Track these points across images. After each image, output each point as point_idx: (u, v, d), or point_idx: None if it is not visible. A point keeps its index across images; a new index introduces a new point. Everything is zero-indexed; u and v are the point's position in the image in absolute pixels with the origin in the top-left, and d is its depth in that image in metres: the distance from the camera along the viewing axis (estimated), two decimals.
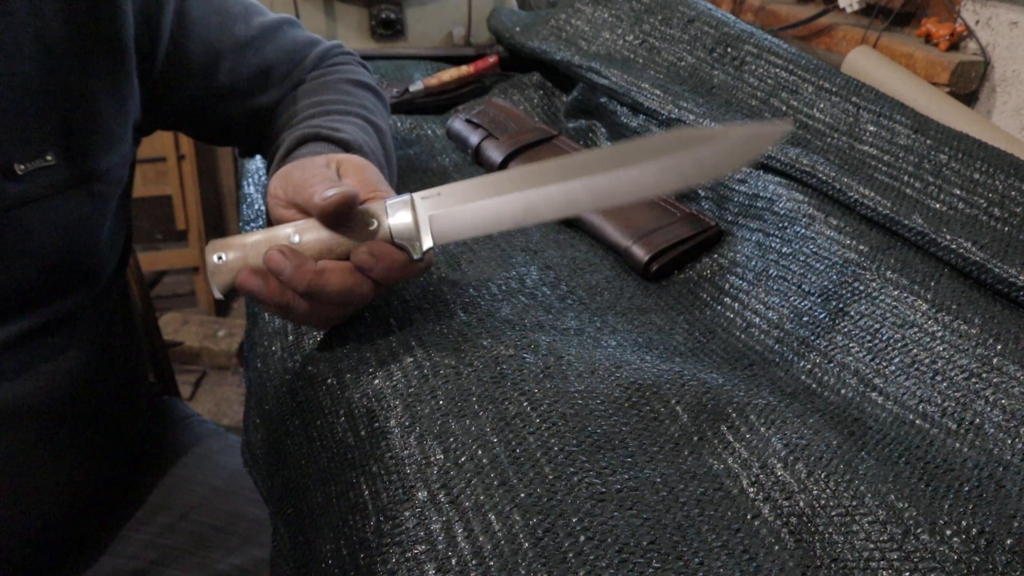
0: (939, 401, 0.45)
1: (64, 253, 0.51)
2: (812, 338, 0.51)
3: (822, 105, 0.66)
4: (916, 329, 0.48)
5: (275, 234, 0.43)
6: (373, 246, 0.42)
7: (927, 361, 0.47)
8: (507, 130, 0.76)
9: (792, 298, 0.54)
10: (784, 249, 0.57)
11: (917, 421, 0.45)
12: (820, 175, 0.58)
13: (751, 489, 0.39)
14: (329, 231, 0.42)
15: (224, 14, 0.58)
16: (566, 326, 0.50)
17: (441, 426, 0.39)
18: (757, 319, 0.54)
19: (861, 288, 0.51)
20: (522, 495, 0.36)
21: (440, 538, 0.34)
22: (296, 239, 0.42)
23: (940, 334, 0.48)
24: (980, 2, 0.83)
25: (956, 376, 0.46)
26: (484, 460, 0.37)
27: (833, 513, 0.37)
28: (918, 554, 0.35)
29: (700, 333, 0.54)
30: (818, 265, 0.54)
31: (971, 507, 0.37)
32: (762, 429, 0.42)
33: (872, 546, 0.36)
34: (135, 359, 0.67)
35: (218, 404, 1.80)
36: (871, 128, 0.63)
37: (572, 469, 0.37)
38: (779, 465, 0.40)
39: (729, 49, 0.74)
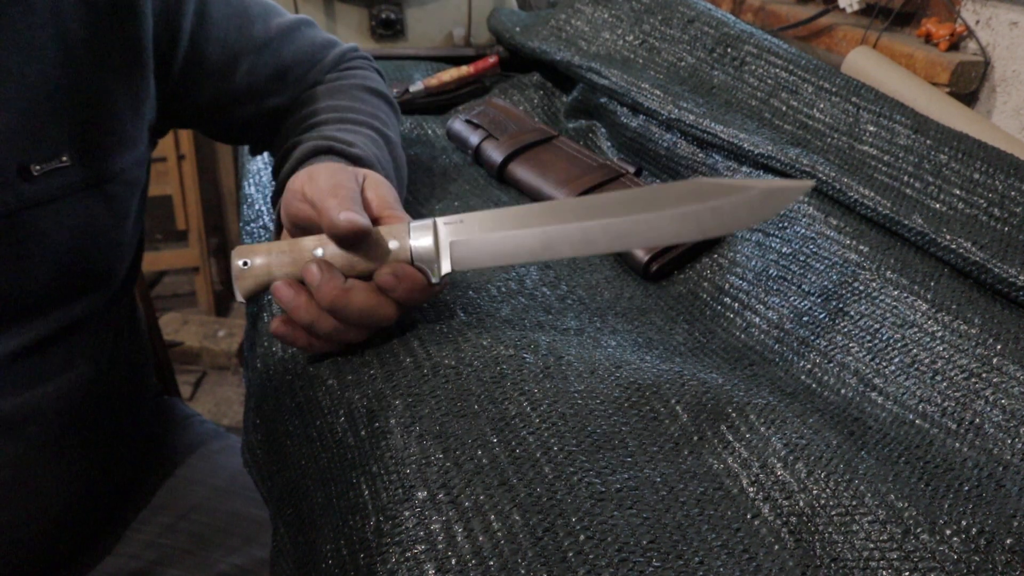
0: (939, 401, 0.45)
1: (78, 254, 0.51)
2: (812, 338, 0.51)
3: (822, 105, 0.66)
4: (916, 329, 0.48)
5: (301, 245, 0.43)
6: (396, 267, 0.42)
7: (927, 361, 0.47)
8: (507, 130, 0.76)
9: (792, 298, 0.54)
10: (784, 249, 0.57)
11: (917, 421, 0.45)
12: (820, 175, 0.58)
13: (751, 489, 0.39)
14: (350, 250, 0.43)
15: (243, 15, 0.58)
16: (566, 326, 0.50)
17: (441, 426, 0.39)
18: (757, 319, 0.54)
19: (861, 288, 0.51)
20: (522, 495, 0.36)
21: (440, 538, 0.34)
22: (319, 252, 0.43)
23: (940, 334, 0.48)
24: (980, 2, 0.83)
25: (956, 376, 0.46)
26: (484, 460, 0.37)
27: (833, 513, 0.37)
28: (918, 554, 0.35)
29: (700, 333, 0.54)
30: (818, 265, 0.54)
31: (971, 507, 0.37)
32: (762, 429, 0.42)
33: (872, 546, 0.36)
34: (141, 363, 0.67)
35: (218, 404, 1.80)
36: (871, 128, 0.63)
37: (572, 469, 0.37)
38: (779, 465, 0.40)
39: (729, 49, 0.74)
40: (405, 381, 0.42)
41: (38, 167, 0.47)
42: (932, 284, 0.50)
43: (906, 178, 0.58)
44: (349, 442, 0.41)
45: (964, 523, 0.36)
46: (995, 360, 0.45)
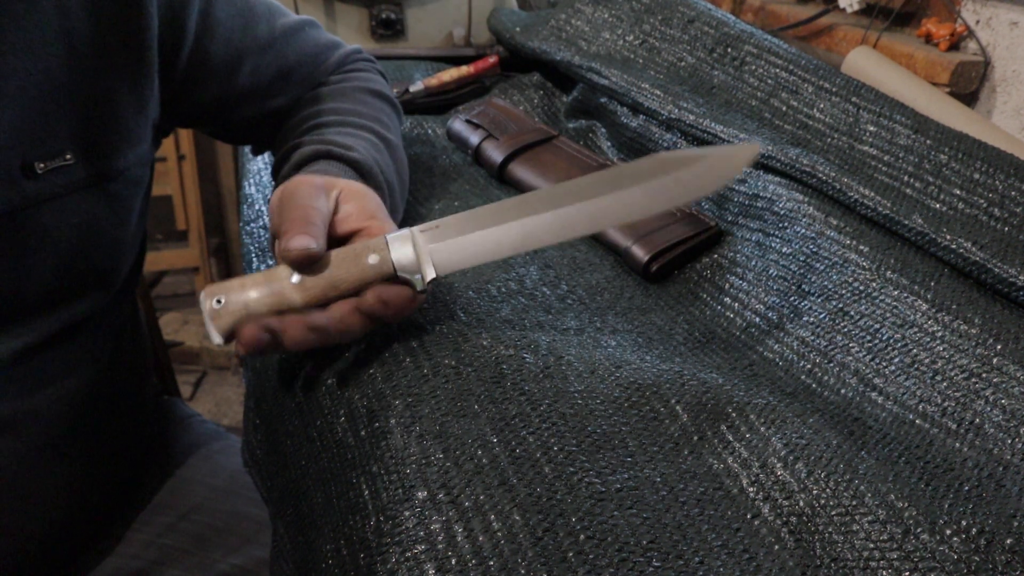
0: (939, 401, 0.45)
1: (80, 253, 0.51)
2: (812, 338, 0.51)
3: (822, 105, 0.66)
4: (916, 329, 0.48)
5: (276, 274, 0.42)
6: (381, 291, 0.42)
7: (927, 361, 0.47)
8: (507, 130, 0.76)
9: (792, 298, 0.54)
10: (784, 249, 0.57)
11: (917, 421, 0.45)
12: (820, 175, 0.58)
13: (751, 488, 0.39)
14: (329, 269, 0.42)
15: (248, 15, 0.58)
16: (566, 326, 0.50)
17: (441, 426, 0.39)
18: (757, 319, 0.54)
19: (861, 288, 0.51)
20: (522, 495, 0.36)
21: (440, 538, 0.34)
22: (295, 279, 0.42)
23: (940, 334, 0.48)
24: (980, 2, 0.83)
25: (956, 376, 0.46)
26: (484, 460, 0.37)
27: (833, 513, 0.37)
28: (918, 554, 0.35)
29: (700, 333, 0.54)
30: (818, 265, 0.54)
31: (971, 507, 0.37)
32: (762, 429, 0.42)
33: (872, 546, 0.36)
34: (141, 363, 0.67)
35: (218, 404, 1.80)
36: (871, 128, 0.63)
37: (572, 469, 0.37)
38: (779, 465, 0.40)
39: (729, 49, 0.74)
40: (405, 381, 0.42)
41: (42, 165, 0.47)
42: (932, 284, 0.50)
43: (906, 178, 0.58)
44: (349, 442, 0.41)
45: (964, 523, 0.36)
46: (995, 360, 0.45)
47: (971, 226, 0.53)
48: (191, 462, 0.69)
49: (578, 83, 0.83)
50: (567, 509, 0.35)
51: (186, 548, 0.63)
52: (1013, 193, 0.54)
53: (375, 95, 0.64)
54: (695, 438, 0.41)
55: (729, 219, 0.63)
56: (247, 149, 0.72)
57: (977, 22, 0.83)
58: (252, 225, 0.67)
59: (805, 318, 0.52)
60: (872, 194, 0.55)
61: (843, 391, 0.47)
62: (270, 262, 0.60)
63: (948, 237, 0.51)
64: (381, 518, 0.36)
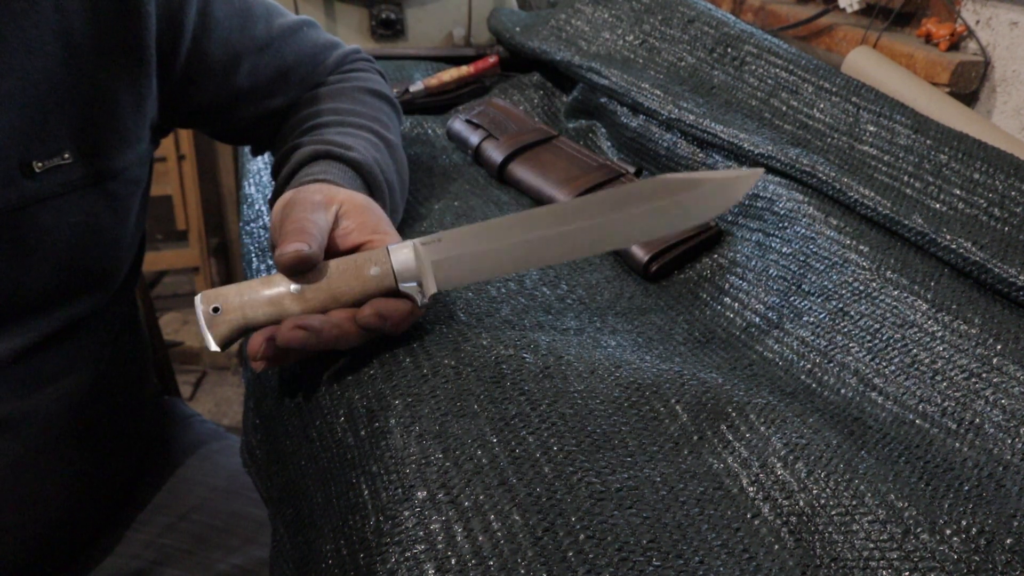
0: (939, 401, 0.45)
1: (79, 253, 0.51)
2: (812, 338, 0.51)
3: (822, 105, 0.66)
4: (916, 329, 0.48)
5: (273, 281, 0.42)
6: (380, 305, 0.42)
7: (927, 361, 0.47)
8: (507, 130, 0.76)
9: (792, 298, 0.54)
10: (784, 249, 0.57)
11: (917, 421, 0.45)
12: (820, 175, 0.58)
13: (751, 488, 0.39)
14: (328, 280, 0.42)
15: (246, 15, 0.58)
16: (566, 326, 0.50)
17: (441, 426, 0.39)
18: (757, 319, 0.54)
19: (861, 288, 0.51)
20: (521, 495, 0.36)
21: (439, 538, 0.34)
22: (295, 288, 0.41)
23: (940, 334, 0.48)
24: (980, 2, 0.83)
25: (956, 376, 0.46)
26: (483, 460, 0.37)
27: (833, 512, 0.37)
28: (918, 553, 0.35)
29: (700, 333, 0.54)
30: (818, 265, 0.54)
31: (971, 507, 0.37)
32: (762, 428, 0.42)
33: (872, 545, 0.36)
34: (141, 363, 0.67)
35: (218, 404, 1.80)
36: (871, 128, 0.63)
37: (571, 468, 0.37)
38: (779, 464, 0.40)
39: (729, 49, 0.74)
40: (405, 381, 0.42)
41: (40, 164, 0.47)
42: (932, 284, 0.50)
43: (906, 178, 0.58)
44: (349, 442, 0.41)
45: (964, 523, 0.36)
46: (995, 360, 0.45)
47: (971, 226, 0.53)
48: (191, 462, 0.69)
49: (578, 83, 0.83)
50: (567, 509, 0.35)
51: (186, 548, 0.63)
52: (1013, 193, 0.54)
53: (374, 95, 0.64)
54: (695, 438, 0.41)
55: (729, 219, 0.63)
56: (247, 149, 0.72)
57: (977, 22, 0.83)
58: (252, 225, 0.67)
59: (805, 318, 0.52)
60: (872, 194, 0.55)
61: (843, 391, 0.47)
62: (270, 262, 0.60)
63: (948, 237, 0.51)
64: (381, 518, 0.36)
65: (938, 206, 0.55)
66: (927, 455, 0.42)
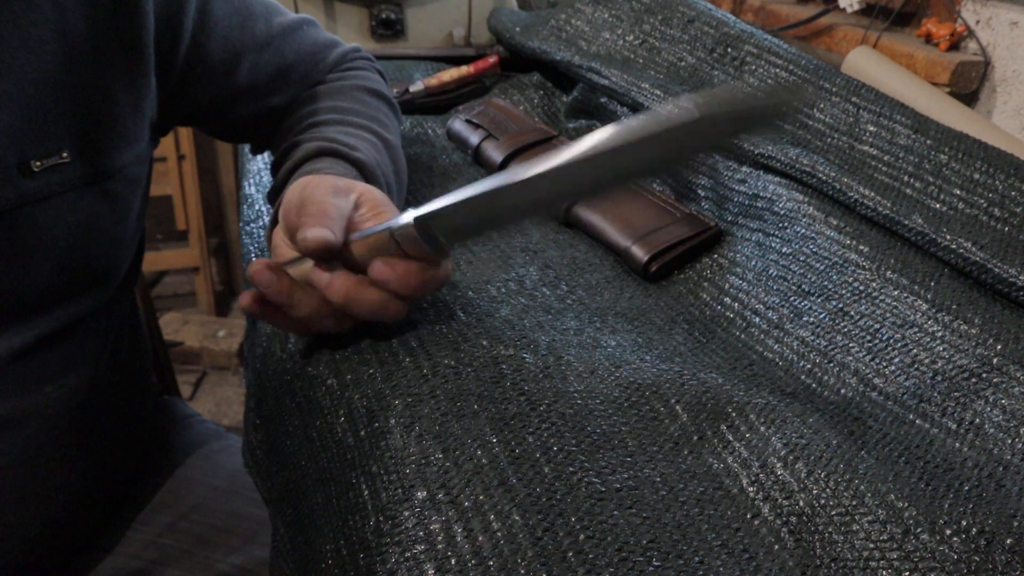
0: (939, 401, 0.45)
1: (78, 252, 0.51)
2: (812, 338, 0.51)
3: (822, 105, 0.66)
4: (916, 329, 0.48)
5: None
6: (386, 258, 0.42)
7: (927, 361, 0.47)
8: (507, 130, 0.76)
9: (792, 298, 0.54)
10: (784, 249, 0.57)
11: (917, 421, 0.45)
12: (820, 175, 0.58)
13: (751, 488, 0.39)
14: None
15: (245, 14, 0.58)
16: (566, 326, 0.50)
17: (441, 426, 0.39)
18: (757, 319, 0.54)
19: (861, 288, 0.51)
20: (521, 495, 0.36)
21: (439, 538, 0.34)
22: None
23: (940, 334, 0.48)
24: (980, 2, 0.83)
25: (956, 376, 0.46)
26: (483, 460, 0.37)
27: (833, 512, 0.37)
28: (918, 554, 0.35)
29: (700, 333, 0.54)
30: (818, 265, 0.54)
31: (971, 507, 0.37)
32: (762, 428, 0.42)
33: (872, 545, 0.36)
34: (141, 363, 0.67)
35: (218, 404, 1.80)
36: (871, 128, 0.63)
37: (571, 468, 0.37)
38: (779, 464, 0.40)
39: (729, 49, 0.74)
40: (405, 381, 0.42)
41: (38, 163, 0.47)
42: (932, 284, 0.50)
43: (906, 178, 0.58)
44: (349, 442, 0.41)
45: (964, 523, 0.36)
46: (995, 360, 0.45)
47: (971, 226, 0.53)
48: (191, 462, 0.69)
49: (578, 83, 0.83)
50: (567, 509, 0.35)
51: (186, 548, 0.63)
52: (1013, 193, 0.54)
53: (373, 94, 0.64)
54: (695, 438, 0.41)
55: (729, 219, 0.63)
56: (247, 149, 0.72)
57: (977, 22, 0.83)
58: (252, 225, 0.67)
59: (805, 318, 0.52)
60: (872, 194, 0.55)
61: (843, 391, 0.47)
62: None
63: (948, 237, 0.51)
64: (381, 518, 0.36)
65: (938, 206, 0.55)
66: (927, 455, 0.41)
